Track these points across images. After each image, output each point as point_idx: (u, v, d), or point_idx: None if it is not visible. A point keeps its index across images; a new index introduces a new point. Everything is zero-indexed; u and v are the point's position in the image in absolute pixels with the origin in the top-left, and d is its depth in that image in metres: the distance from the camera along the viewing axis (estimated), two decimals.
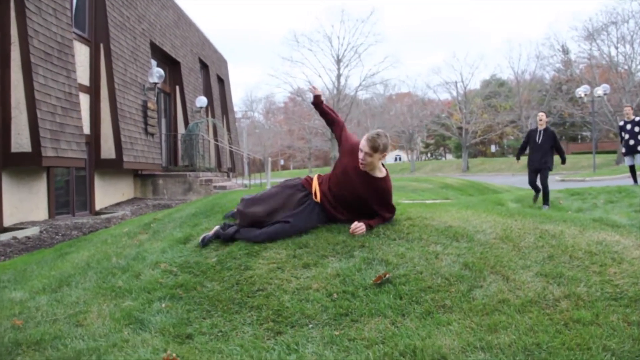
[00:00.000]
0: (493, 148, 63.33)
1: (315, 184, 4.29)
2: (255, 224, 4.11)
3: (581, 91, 28.26)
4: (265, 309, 3.12)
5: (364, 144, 3.95)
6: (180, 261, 3.89)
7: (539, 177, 9.47)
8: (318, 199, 4.22)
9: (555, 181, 25.29)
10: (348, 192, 4.15)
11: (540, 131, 9.51)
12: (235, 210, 4.45)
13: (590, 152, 32.24)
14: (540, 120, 9.66)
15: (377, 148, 3.92)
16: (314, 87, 4.60)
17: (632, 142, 11.26)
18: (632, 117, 11.50)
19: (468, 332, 2.77)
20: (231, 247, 4.00)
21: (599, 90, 27.63)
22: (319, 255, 3.74)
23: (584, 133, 53.24)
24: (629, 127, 11.43)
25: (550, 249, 3.75)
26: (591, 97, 28.38)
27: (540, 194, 9.49)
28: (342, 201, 4.22)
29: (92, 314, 3.30)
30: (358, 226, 4.01)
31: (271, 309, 3.09)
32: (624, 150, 11.64)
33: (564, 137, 57.81)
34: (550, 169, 9.41)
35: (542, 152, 9.40)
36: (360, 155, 3.97)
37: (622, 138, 11.62)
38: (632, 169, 11.61)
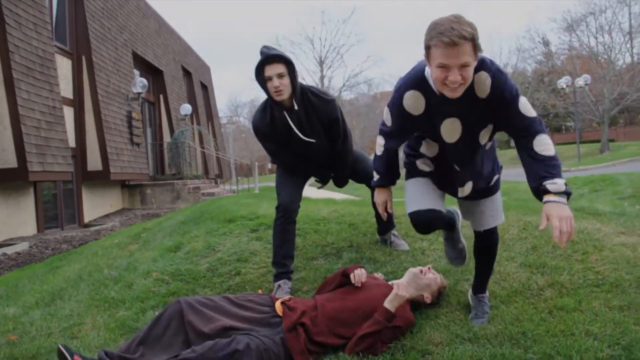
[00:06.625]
0: None
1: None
2: None
3: (563, 82, 28.48)
4: None
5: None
6: (171, 269, 3.94)
7: None
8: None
9: None
10: None
11: None
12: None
13: (574, 142, 32.43)
14: None
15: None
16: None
17: None
18: None
19: (456, 325, 2.85)
20: (220, 253, 4.06)
21: (580, 81, 27.87)
22: (307, 258, 3.80)
23: (568, 123, 53.57)
24: None
25: (534, 240, 3.84)
26: (573, 87, 28.61)
27: None
28: None
29: (86, 325, 3.34)
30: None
31: None
32: None
33: (548, 128, 57.83)
34: None
35: None
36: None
37: None
38: None
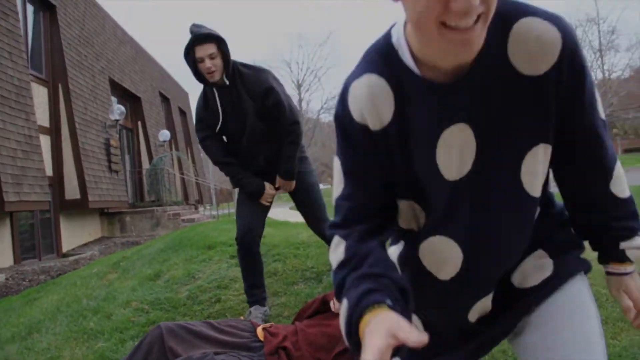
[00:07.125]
0: None
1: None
2: None
3: None
4: None
5: None
6: (151, 298, 3.90)
7: None
8: None
9: None
10: None
11: None
12: None
13: None
14: None
15: None
16: None
17: None
18: None
19: None
20: (200, 281, 4.03)
21: None
22: (287, 283, 3.80)
23: None
24: None
25: None
26: None
27: None
28: None
29: (64, 358, 3.28)
30: None
31: None
32: None
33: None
34: None
35: None
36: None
37: None
38: None
